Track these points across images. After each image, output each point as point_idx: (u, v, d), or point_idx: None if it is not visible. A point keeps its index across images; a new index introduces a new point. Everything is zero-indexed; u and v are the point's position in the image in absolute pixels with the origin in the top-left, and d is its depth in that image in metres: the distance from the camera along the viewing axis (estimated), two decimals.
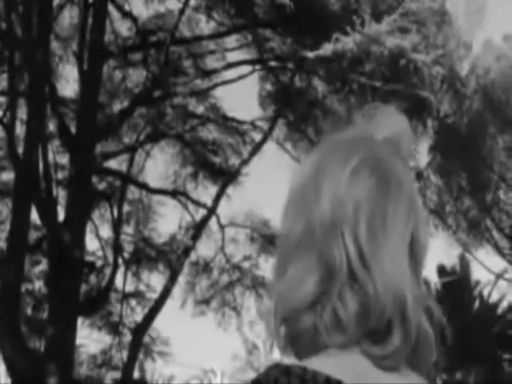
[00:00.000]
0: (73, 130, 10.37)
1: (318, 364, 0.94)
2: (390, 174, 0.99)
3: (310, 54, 10.47)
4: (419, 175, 16.91)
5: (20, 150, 9.12)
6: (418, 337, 0.95)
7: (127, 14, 12.03)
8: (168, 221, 14.56)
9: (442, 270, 20.90)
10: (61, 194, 11.14)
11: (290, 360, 1.00)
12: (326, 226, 0.95)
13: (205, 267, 13.72)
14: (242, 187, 13.24)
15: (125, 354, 12.23)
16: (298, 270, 0.97)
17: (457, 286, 20.22)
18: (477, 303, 20.81)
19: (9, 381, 9.04)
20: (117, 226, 12.38)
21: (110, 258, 12.38)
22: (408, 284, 0.95)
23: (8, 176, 11.96)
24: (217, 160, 13.29)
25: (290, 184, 1.04)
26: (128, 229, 13.65)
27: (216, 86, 12.57)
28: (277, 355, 1.05)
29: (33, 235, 11.42)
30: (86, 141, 9.98)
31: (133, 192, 13.73)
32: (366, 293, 0.93)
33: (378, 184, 0.98)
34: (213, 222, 13.09)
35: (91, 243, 12.54)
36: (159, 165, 15.25)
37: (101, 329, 13.08)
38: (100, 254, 12.93)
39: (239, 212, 13.58)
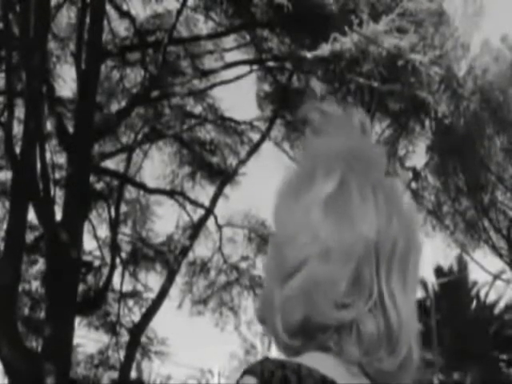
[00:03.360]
0: (70, 129, 10.35)
1: (312, 362, 0.96)
2: (410, 225, 1.08)
3: (308, 54, 10.47)
4: (417, 176, 16.92)
5: (17, 149, 9.10)
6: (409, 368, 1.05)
7: (125, 14, 12.02)
8: (165, 221, 14.56)
9: (439, 271, 20.92)
10: (58, 194, 11.14)
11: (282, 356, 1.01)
12: (368, 248, 1.02)
13: (202, 267, 13.72)
14: (239, 187, 13.26)
15: (122, 354, 12.22)
16: (326, 273, 1.00)
17: (454, 286, 20.24)
18: (474, 304, 20.85)
19: (6, 381, 9.02)
20: (114, 225, 12.37)
21: (108, 258, 12.38)
22: (415, 329, 1.05)
23: (5, 175, 11.96)
24: (214, 160, 13.28)
25: (316, 189, 1.05)
26: (125, 229, 13.66)
27: (214, 86, 12.56)
28: (274, 355, 1.05)
29: (30, 235, 11.40)
30: (84, 140, 9.96)
31: (130, 192, 13.73)
32: (388, 319, 1.01)
33: (405, 232, 1.06)
34: (210, 222, 13.10)
35: (89, 243, 12.52)
36: (157, 165, 15.23)
37: (98, 329, 13.06)
38: (97, 253, 12.93)
39: (237, 212, 13.60)
